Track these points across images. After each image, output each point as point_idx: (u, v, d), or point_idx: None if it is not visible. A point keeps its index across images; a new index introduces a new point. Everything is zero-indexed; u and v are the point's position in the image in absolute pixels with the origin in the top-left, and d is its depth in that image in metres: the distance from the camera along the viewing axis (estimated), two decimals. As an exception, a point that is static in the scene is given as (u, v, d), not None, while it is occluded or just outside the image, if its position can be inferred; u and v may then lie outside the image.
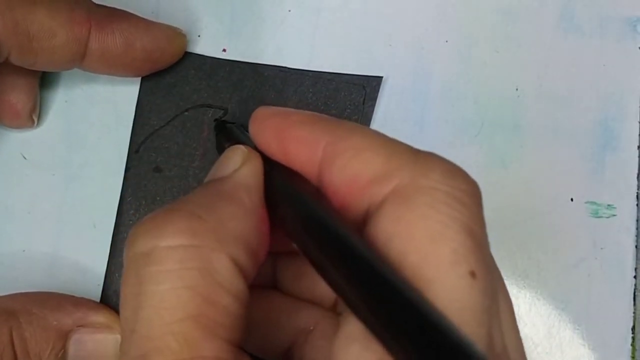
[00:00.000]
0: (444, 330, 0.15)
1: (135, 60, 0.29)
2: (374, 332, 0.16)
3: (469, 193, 0.18)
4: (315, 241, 0.18)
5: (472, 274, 0.17)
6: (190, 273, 0.18)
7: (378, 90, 0.31)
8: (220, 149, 0.25)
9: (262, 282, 0.24)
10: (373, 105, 0.31)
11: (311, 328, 0.23)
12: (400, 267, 0.17)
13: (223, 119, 0.30)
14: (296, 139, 0.20)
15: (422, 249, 0.17)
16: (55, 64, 0.28)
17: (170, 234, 0.18)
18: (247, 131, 0.23)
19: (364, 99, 0.31)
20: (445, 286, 0.17)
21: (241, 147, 0.22)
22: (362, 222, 0.19)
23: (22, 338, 0.26)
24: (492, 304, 0.17)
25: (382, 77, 0.31)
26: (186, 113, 0.31)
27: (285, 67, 0.31)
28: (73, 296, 0.28)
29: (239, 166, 0.21)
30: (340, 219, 0.18)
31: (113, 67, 0.29)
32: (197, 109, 0.31)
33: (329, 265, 0.18)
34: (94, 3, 0.28)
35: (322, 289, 0.23)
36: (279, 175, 0.21)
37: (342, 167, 0.19)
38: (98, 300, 0.30)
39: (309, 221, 0.19)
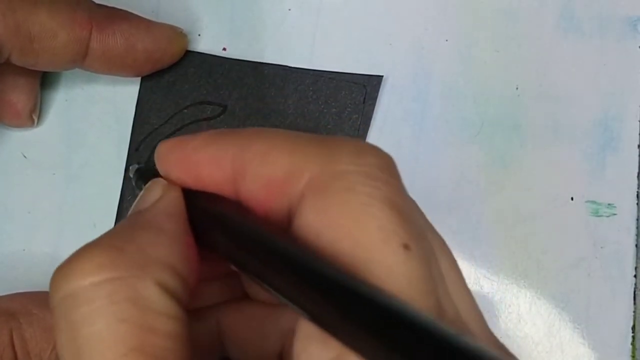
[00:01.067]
0: (391, 307, 0.15)
1: (136, 61, 0.29)
2: (327, 330, 0.16)
3: (381, 167, 0.18)
4: (247, 255, 0.18)
5: (405, 246, 0.17)
6: (121, 306, 0.17)
7: (378, 90, 0.31)
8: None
9: (235, 296, 0.24)
10: (373, 105, 0.31)
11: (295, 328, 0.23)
12: (334, 257, 0.17)
13: (139, 166, 0.29)
14: (202, 163, 0.20)
15: (350, 234, 0.17)
16: (56, 65, 0.28)
17: (91, 270, 0.17)
18: None
19: (365, 98, 0.31)
20: (382, 265, 0.16)
21: (160, 179, 0.22)
22: (288, 223, 0.19)
23: (23, 338, 0.25)
24: (434, 270, 0.17)
25: (382, 76, 0.31)
26: (185, 111, 0.31)
27: (286, 66, 0.31)
28: None
29: (158, 197, 0.21)
30: (266, 227, 0.18)
31: (114, 67, 0.29)
32: (196, 107, 0.31)
33: (268, 276, 0.18)
34: (95, 3, 0.28)
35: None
36: (199, 201, 0.21)
37: (254, 175, 0.19)
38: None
39: (237, 238, 0.19)
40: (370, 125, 0.31)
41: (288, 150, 0.19)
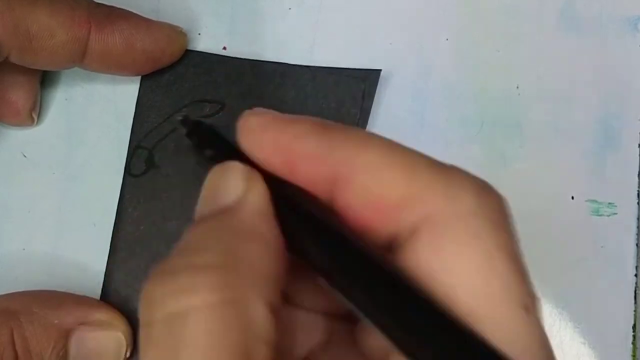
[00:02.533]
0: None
1: (135, 60, 0.29)
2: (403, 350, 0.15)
3: (502, 211, 0.17)
4: (342, 272, 0.17)
5: (526, 309, 0.16)
6: (230, 333, 0.16)
7: (377, 84, 0.31)
8: (202, 160, 0.22)
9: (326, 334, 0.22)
10: (372, 99, 0.31)
11: (327, 339, 0.21)
12: (449, 303, 0.16)
13: (195, 119, 0.24)
14: (303, 155, 0.18)
15: (471, 284, 0.16)
16: (55, 64, 0.28)
17: (203, 290, 0.16)
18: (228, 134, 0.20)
19: (363, 93, 0.31)
20: (502, 325, 0.16)
21: (238, 165, 0.19)
22: (388, 249, 0.18)
23: (23, 337, 0.25)
24: (548, 336, 0.17)
25: (380, 70, 0.31)
26: (184, 109, 0.31)
27: (284, 63, 0.31)
28: (74, 294, 0.28)
29: (242, 191, 0.18)
30: (362, 241, 0.17)
31: (113, 66, 0.29)
32: (195, 105, 0.31)
33: (361, 300, 0.16)
34: (95, 2, 0.28)
35: (336, 302, 0.22)
36: (288, 195, 0.18)
37: (361, 188, 0.17)
38: (98, 298, 0.30)
39: (333, 249, 0.17)
40: (370, 125, 0.31)
41: (407, 172, 0.17)
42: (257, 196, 0.18)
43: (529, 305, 0.16)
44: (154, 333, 0.17)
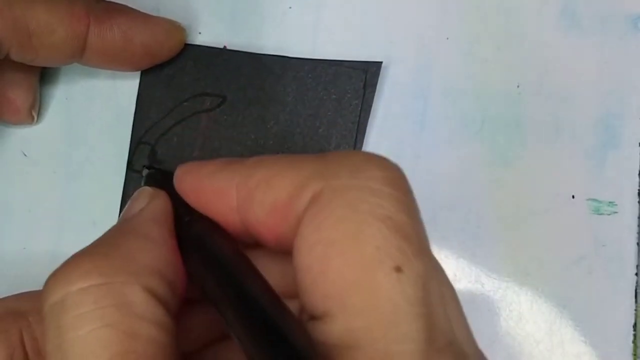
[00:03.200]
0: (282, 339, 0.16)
1: (134, 55, 0.29)
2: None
3: (387, 181, 0.18)
4: (211, 279, 0.19)
5: (398, 269, 0.16)
6: (107, 311, 0.17)
7: (378, 76, 0.31)
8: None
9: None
10: (374, 91, 0.31)
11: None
12: (323, 272, 0.17)
13: (153, 167, 0.31)
14: (209, 192, 0.21)
15: (344, 252, 0.17)
16: (55, 60, 0.28)
17: (78, 276, 0.18)
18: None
19: (365, 84, 0.31)
20: (372, 286, 0.16)
21: (147, 187, 0.23)
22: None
23: (33, 337, 0.25)
24: (428, 294, 0.17)
25: (381, 62, 0.31)
26: (185, 103, 0.31)
27: (284, 55, 0.31)
28: None
29: (145, 204, 0.22)
30: (238, 259, 0.19)
31: (112, 61, 0.29)
32: (196, 99, 0.31)
33: (222, 306, 0.18)
34: None
35: None
36: (195, 223, 0.22)
37: (259, 202, 0.19)
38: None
39: (208, 263, 0.20)
40: (371, 123, 0.31)
41: (290, 173, 0.19)
42: (153, 207, 0.22)
43: (403, 266, 0.16)
44: (45, 326, 0.18)
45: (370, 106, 0.31)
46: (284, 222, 0.19)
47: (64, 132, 0.31)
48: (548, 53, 0.31)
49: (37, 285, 0.29)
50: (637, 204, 0.30)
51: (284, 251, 0.19)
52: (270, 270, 0.20)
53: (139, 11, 0.29)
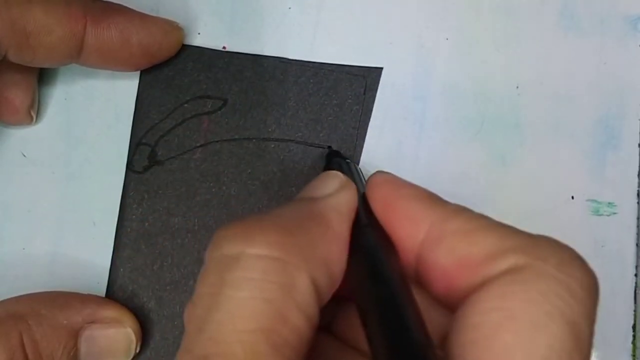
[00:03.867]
0: None
1: (132, 55, 0.29)
2: None
3: (584, 285, 0.18)
4: (369, 302, 0.19)
5: None
6: (271, 286, 0.18)
7: (378, 81, 0.31)
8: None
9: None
10: (374, 96, 0.31)
11: None
12: (490, 339, 0.17)
13: (336, 150, 0.30)
14: (400, 213, 0.21)
15: (519, 333, 0.17)
16: (53, 60, 0.28)
17: (259, 243, 0.18)
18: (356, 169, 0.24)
19: (365, 90, 0.31)
20: None
21: (339, 173, 0.22)
22: (461, 301, 0.19)
23: (33, 340, 0.25)
24: None
25: (382, 68, 0.31)
26: (185, 105, 0.31)
27: (285, 58, 0.31)
28: (80, 293, 0.28)
29: (333, 191, 0.21)
30: (404, 292, 0.19)
31: (110, 61, 0.29)
32: (196, 101, 0.31)
33: (373, 332, 0.18)
34: None
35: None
36: (371, 232, 0.21)
37: (451, 247, 0.19)
38: (101, 296, 0.30)
39: (371, 283, 0.19)
40: (371, 124, 0.31)
41: (497, 234, 0.19)
42: (341, 197, 0.21)
43: None
44: (206, 269, 0.19)
45: (371, 110, 0.31)
46: (467, 277, 0.19)
47: (63, 132, 0.31)
48: (547, 54, 0.31)
49: (37, 286, 0.29)
50: (637, 204, 0.30)
51: (444, 302, 0.19)
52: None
53: (136, 11, 0.29)
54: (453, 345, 0.18)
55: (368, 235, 0.21)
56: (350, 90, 0.31)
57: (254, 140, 0.31)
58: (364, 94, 0.31)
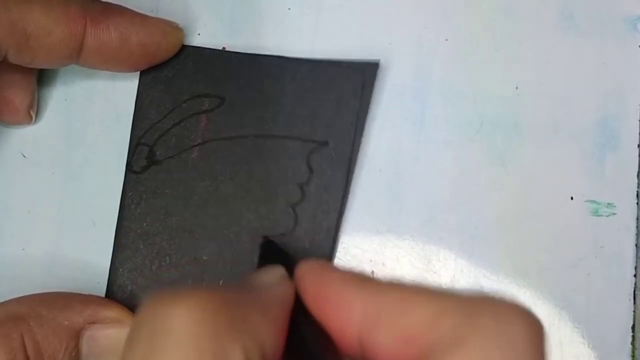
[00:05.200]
0: None
1: (131, 55, 0.29)
2: None
3: (524, 335, 0.18)
4: None
5: None
6: (205, 355, 0.17)
7: (376, 75, 0.31)
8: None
9: None
10: (371, 91, 0.31)
11: None
12: None
13: (271, 240, 0.30)
14: (332, 300, 0.21)
15: None
16: (52, 61, 0.28)
17: (196, 310, 0.18)
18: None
19: (363, 84, 0.31)
20: None
21: (280, 269, 0.23)
22: None
23: (35, 341, 0.26)
24: None
25: (379, 61, 0.31)
26: (184, 105, 0.31)
27: (282, 56, 0.31)
28: (80, 294, 0.28)
29: (275, 282, 0.22)
30: None
31: (109, 62, 0.29)
32: (194, 100, 0.31)
33: None
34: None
35: None
36: (306, 328, 0.21)
37: (389, 324, 0.19)
38: (101, 296, 0.30)
39: None
40: (370, 124, 0.31)
41: (425, 301, 0.18)
42: (282, 290, 0.22)
43: None
44: (135, 336, 0.18)
45: (368, 106, 0.31)
46: (412, 350, 0.18)
47: (63, 133, 0.31)
48: (547, 54, 0.31)
49: (36, 286, 0.29)
50: (636, 205, 0.30)
51: None
52: None
53: (135, 11, 0.29)
54: None
55: (303, 332, 0.21)
56: (348, 85, 0.31)
57: (251, 137, 0.31)
58: (362, 88, 0.31)
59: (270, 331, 0.20)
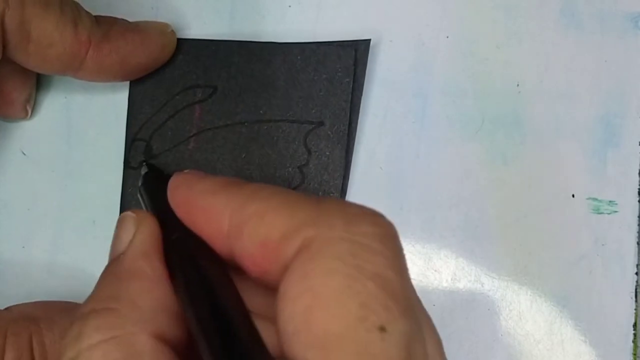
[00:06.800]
0: None
1: (129, 74, 0.30)
2: None
3: (378, 237, 0.18)
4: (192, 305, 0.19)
5: (382, 328, 0.16)
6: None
7: (368, 52, 0.31)
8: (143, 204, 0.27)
9: None
10: (364, 68, 0.31)
11: None
12: (307, 323, 0.17)
13: (152, 165, 0.30)
14: (201, 211, 0.21)
15: (330, 305, 0.17)
16: (45, 70, 0.28)
17: (88, 334, 0.19)
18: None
19: (355, 61, 0.31)
20: (354, 343, 0.16)
21: (129, 213, 0.23)
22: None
23: (42, 344, 0.26)
24: (410, 355, 0.17)
25: (370, 39, 0.31)
26: (177, 97, 0.31)
27: (272, 42, 0.31)
28: None
29: (131, 236, 0.22)
30: (224, 289, 0.19)
31: (106, 79, 0.30)
32: (187, 91, 0.31)
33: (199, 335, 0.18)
34: (96, 20, 0.28)
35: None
36: (182, 242, 0.22)
37: (251, 233, 0.19)
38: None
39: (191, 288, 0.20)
40: (371, 122, 0.31)
41: (287, 211, 0.19)
42: (141, 240, 0.21)
43: (387, 325, 0.16)
44: None
45: (362, 84, 0.31)
46: (271, 260, 0.19)
47: (63, 130, 0.31)
48: (548, 52, 0.31)
49: (36, 284, 0.29)
50: (637, 203, 0.30)
51: (267, 286, 0.19)
52: (254, 295, 0.20)
53: (135, 28, 0.29)
54: (282, 336, 0.18)
55: (176, 246, 0.21)
56: (340, 63, 0.30)
57: (246, 124, 0.31)
58: (354, 65, 0.30)
59: (159, 293, 0.20)
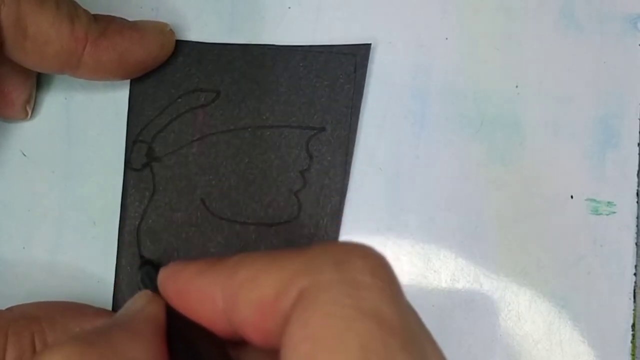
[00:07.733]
0: None
1: (128, 72, 0.29)
2: None
3: (369, 270, 0.18)
4: None
5: None
6: None
7: (368, 57, 0.31)
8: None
9: None
10: (364, 74, 0.31)
11: None
12: None
13: (150, 262, 0.31)
14: (193, 295, 0.21)
15: (331, 350, 0.17)
16: (43, 68, 0.28)
17: (61, 358, 0.19)
18: None
19: (355, 68, 0.31)
20: None
21: (147, 291, 0.24)
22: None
23: (44, 343, 0.26)
24: None
25: (370, 44, 0.31)
26: (179, 100, 0.31)
27: (274, 45, 0.31)
28: (94, 306, 0.29)
29: (140, 307, 0.23)
30: None
31: (104, 77, 0.29)
32: (190, 95, 0.31)
33: None
34: (93, 17, 0.28)
35: None
36: (180, 328, 0.22)
37: (245, 299, 0.19)
38: (109, 294, 0.30)
39: None
40: (370, 124, 0.31)
41: (274, 270, 0.19)
42: (148, 310, 0.22)
43: None
44: None
45: (362, 87, 0.31)
46: (270, 320, 0.19)
47: (63, 131, 0.31)
48: (547, 53, 0.31)
49: (36, 285, 0.29)
50: (636, 204, 0.30)
51: (272, 349, 0.19)
52: None
53: (134, 26, 0.29)
54: None
55: (179, 334, 0.22)
56: (341, 69, 0.31)
57: (249, 129, 0.31)
58: (355, 72, 0.31)
59: (146, 348, 0.20)
